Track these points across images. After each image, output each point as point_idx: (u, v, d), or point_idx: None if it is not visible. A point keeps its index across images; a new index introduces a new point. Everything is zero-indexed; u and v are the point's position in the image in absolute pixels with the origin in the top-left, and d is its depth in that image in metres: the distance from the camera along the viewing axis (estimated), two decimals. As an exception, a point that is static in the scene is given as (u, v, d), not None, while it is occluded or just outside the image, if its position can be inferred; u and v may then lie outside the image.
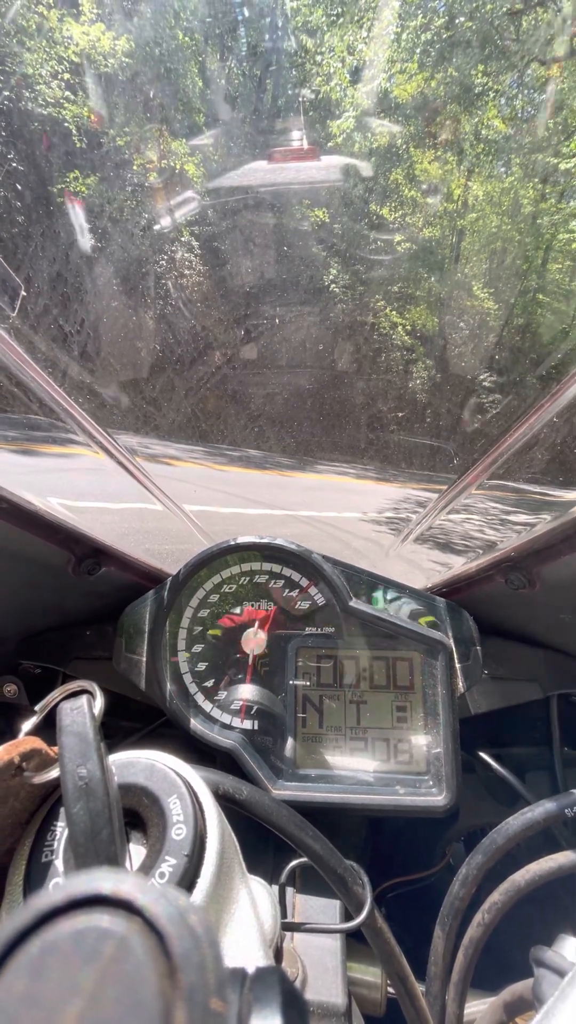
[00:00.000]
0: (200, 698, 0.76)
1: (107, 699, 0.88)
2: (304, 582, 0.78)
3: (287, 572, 0.78)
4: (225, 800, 0.46)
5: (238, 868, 0.40)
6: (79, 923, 0.18)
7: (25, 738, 0.38)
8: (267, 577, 0.78)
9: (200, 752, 0.74)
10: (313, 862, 0.52)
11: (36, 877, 0.34)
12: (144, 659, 0.78)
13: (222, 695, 0.76)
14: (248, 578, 0.78)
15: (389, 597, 0.80)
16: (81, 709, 0.36)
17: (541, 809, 0.58)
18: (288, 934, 0.68)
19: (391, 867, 0.92)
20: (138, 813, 0.37)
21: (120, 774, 0.38)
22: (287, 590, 0.78)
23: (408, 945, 0.63)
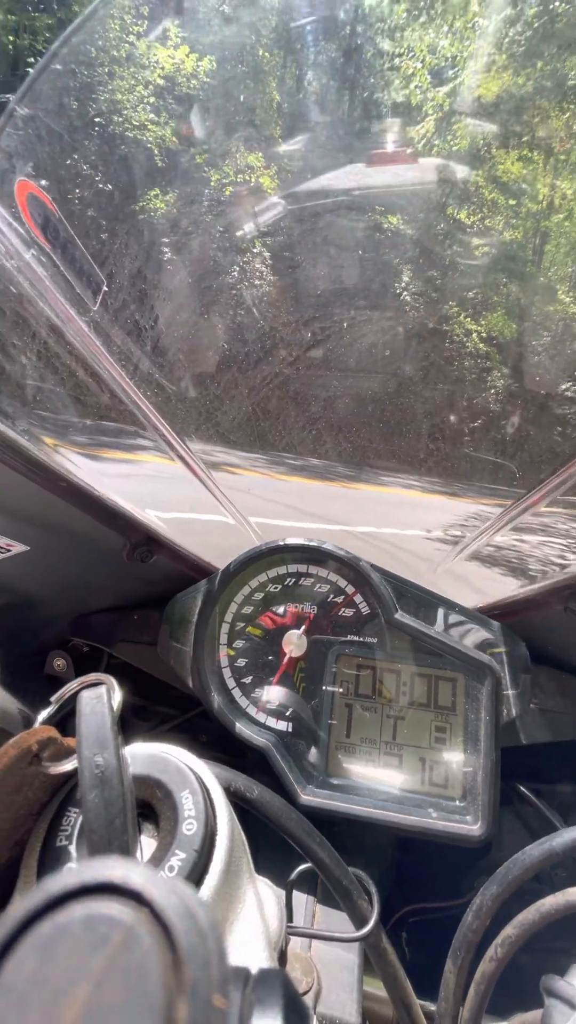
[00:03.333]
0: (237, 693, 0.77)
1: (146, 684, 0.90)
2: (350, 589, 0.77)
3: (333, 577, 0.77)
4: (236, 798, 0.46)
5: (246, 867, 0.40)
6: (90, 909, 0.18)
7: (41, 727, 0.38)
8: (313, 580, 0.78)
9: (233, 747, 0.75)
10: (318, 870, 0.51)
11: (50, 860, 0.35)
12: (187, 649, 0.79)
13: (259, 693, 0.76)
14: (294, 580, 0.78)
15: (438, 612, 0.77)
16: (101, 698, 0.37)
17: (561, 839, 0.54)
18: (308, 943, 0.67)
19: (416, 891, 0.89)
20: (151, 805, 0.38)
21: (135, 765, 0.38)
22: (332, 595, 0.77)
23: (427, 973, 0.60)
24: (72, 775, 0.38)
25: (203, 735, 0.93)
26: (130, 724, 0.92)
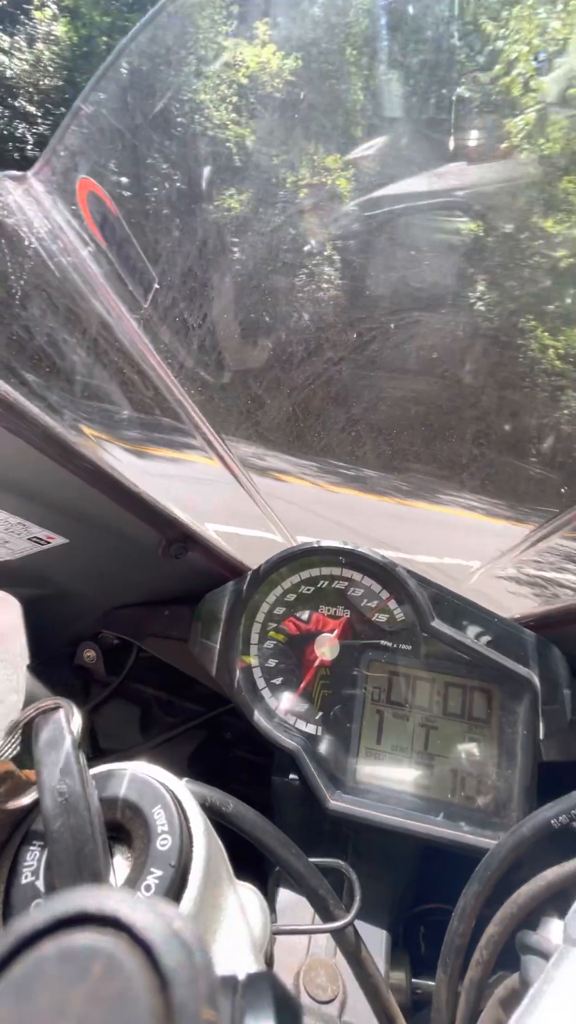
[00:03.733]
0: (267, 694, 0.77)
1: (174, 679, 0.91)
2: (384, 594, 0.75)
3: (367, 582, 0.76)
4: (211, 813, 0.45)
5: (226, 875, 0.39)
6: (64, 943, 0.18)
7: None
8: (346, 584, 0.77)
9: (258, 746, 0.75)
10: (294, 881, 0.50)
11: (16, 900, 0.33)
12: (217, 647, 0.79)
13: (288, 695, 0.76)
14: (327, 583, 0.77)
15: (474, 621, 0.75)
16: (59, 723, 0.36)
17: (530, 823, 0.54)
18: (334, 951, 0.66)
19: (438, 893, 0.87)
20: (122, 826, 0.36)
21: (101, 787, 0.37)
22: (365, 600, 0.76)
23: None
24: (32, 808, 0.36)
25: (228, 733, 0.93)
26: (157, 719, 0.93)
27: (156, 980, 0.17)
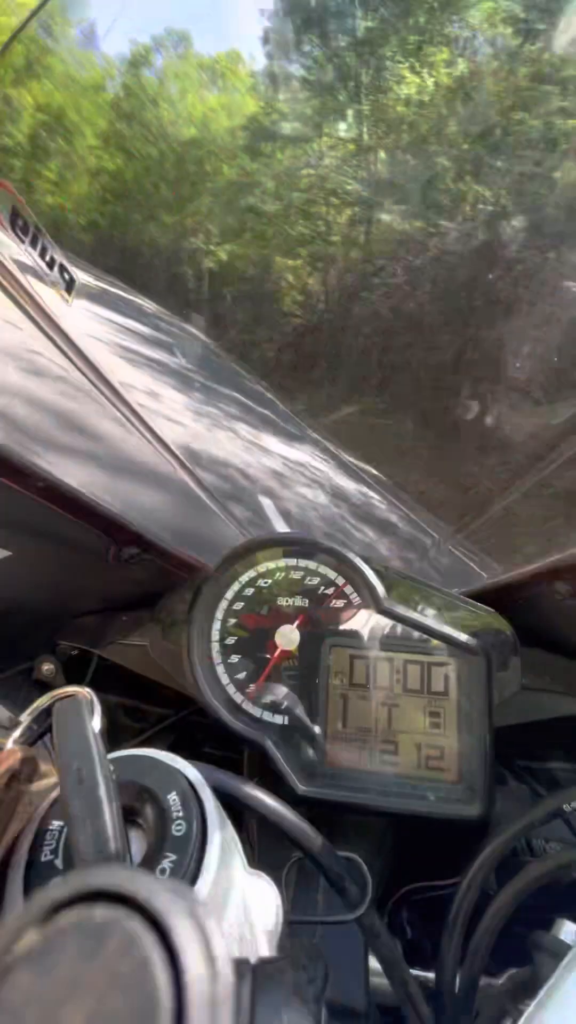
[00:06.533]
0: (232, 689, 0.77)
1: (138, 685, 0.90)
2: (340, 580, 0.77)
3: (323, 570, 0.77)
4: (223, 796, 0.46)
5: (239, 862, 0.40)
6: (82, 918, 0.18)
7: (14, 747, 0.38)
8: (303, 574, 0.78)
9: (229, 742, 0.75)
10: (310, 860, 0.52)
11: (36, 876, 0.34)
12: (179, 648, 0.79)
13: (253, 688, 0.76)
14: (284, 573, 0.78)
15: (426, 600, 0.78)
16: (78, 707, 0.37)
17: (541, 807, 0.58)
18: (314, 931, 0.68)
19: (418, 871, 0.91)
20: (138, 810, 0.37)
21: (119, 771, 0.37)
22: (322, 588, 0.77)
23: (429, 948, 0.62)
24: (54, 789, 0.37)
25: (198, 732, 0.93)
26: (124, 726, 0.92)
27: (169, 962, 0.17)
